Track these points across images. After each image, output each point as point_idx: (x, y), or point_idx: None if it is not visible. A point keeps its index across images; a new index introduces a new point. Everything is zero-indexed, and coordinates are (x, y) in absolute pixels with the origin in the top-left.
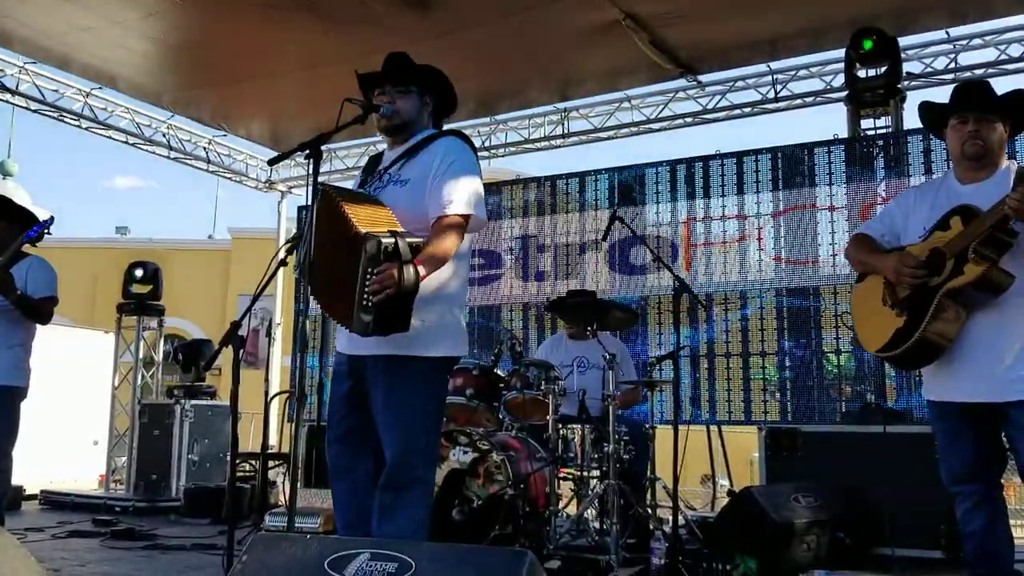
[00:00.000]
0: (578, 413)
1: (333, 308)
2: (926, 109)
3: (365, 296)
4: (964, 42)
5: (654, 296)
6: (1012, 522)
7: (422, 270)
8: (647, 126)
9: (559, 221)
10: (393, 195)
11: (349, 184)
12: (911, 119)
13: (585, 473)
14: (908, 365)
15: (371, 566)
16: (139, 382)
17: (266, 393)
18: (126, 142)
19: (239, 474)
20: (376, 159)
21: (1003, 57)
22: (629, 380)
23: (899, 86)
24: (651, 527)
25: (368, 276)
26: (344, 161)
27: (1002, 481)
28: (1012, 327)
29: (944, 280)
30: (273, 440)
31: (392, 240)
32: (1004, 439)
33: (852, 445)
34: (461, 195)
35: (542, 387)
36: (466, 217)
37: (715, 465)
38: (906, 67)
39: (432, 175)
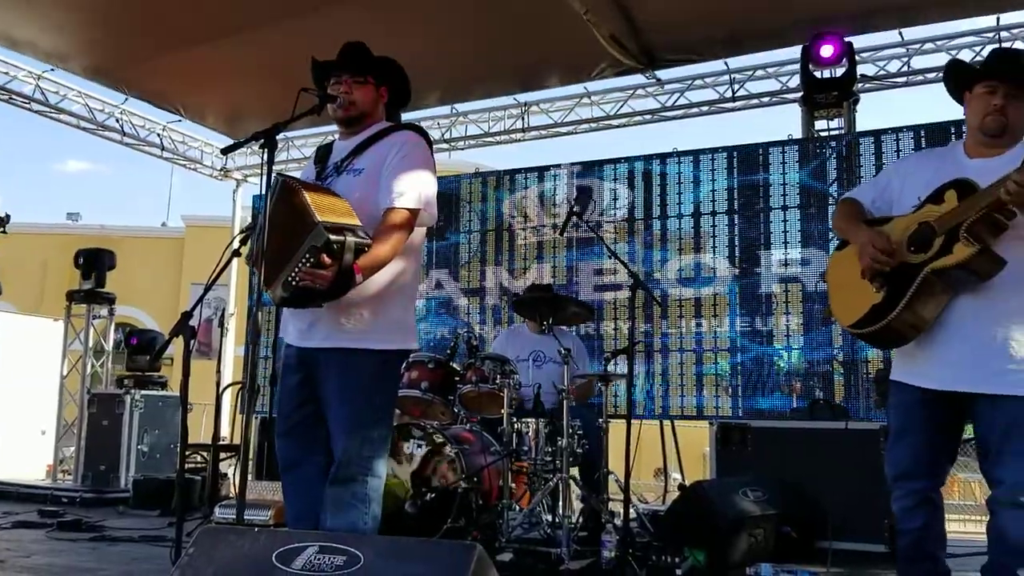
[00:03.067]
0: (533, 407)
1: (267, 275)
2: (955, 66)
3: (293, 276)
4: (917, 46)
5: (610, 291)
6: (956, 516)
7: (360, 278)
8: (606, 122)
9: (517, 215)
10: (347, 184)
11: (299, 174)
12: (864, 121)
13: (539, 467)
14: (882, 343)
15: (319, 559)
16: (88, 371)
17: (218, 384)
18: (78, 126)
19: (191, 465)
20: (326, 149)
21: None
22: (583, 374)
23: (853, 88)
24: (603, 520)
25: (305, 261)
26: (301, 150)
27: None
28: (995, 315)
29: (931, 258)
30: (226, 431)
31: (342, 239)
32: (974, 433)
33: (800, 441)
34: (412, 189)
35: (497, 381)
36: (414, 212)
37: (668, 459)
38: (860, 69)
39: (386, 165)
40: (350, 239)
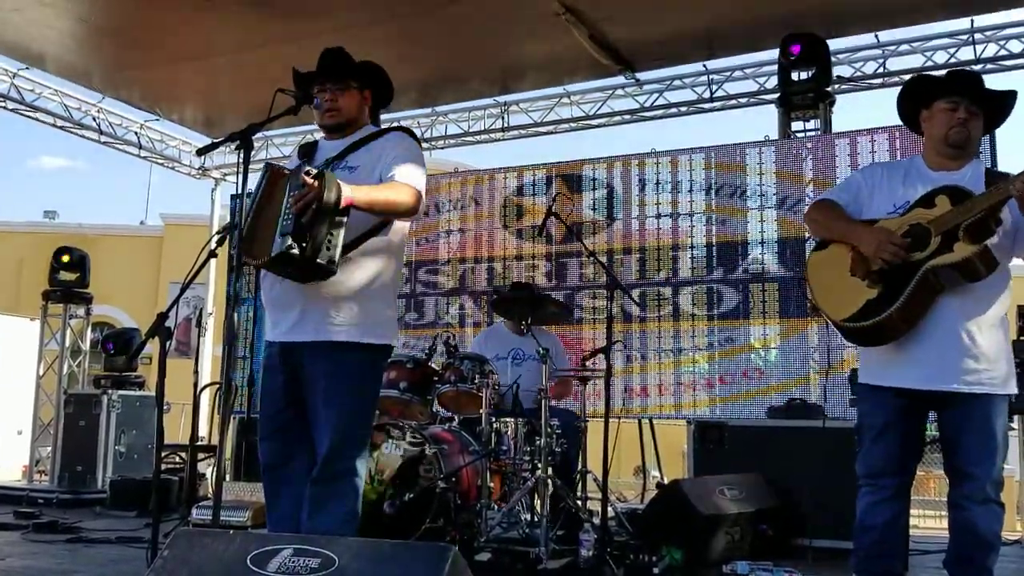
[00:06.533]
0: (511, 407)
1: (260, 253)
2: (920, 80)
3: (286, 214)
4: (892, 48)
5: (589, 291)
6: (934, 513)
7: (348, 190)
8: (586, 122)
9: (496, 214)
10: (342, 180)
11: None
12: (839, 122)
13: (517, 466)
14: (868, 339)
15: (294, 562)
16: (65, 371)
17: (195, 384)
18: (54, 125)
19: (169, 466)
20: (311, 147)
21: (929, 64)
22: (562, 370)
23: (828, 89)
24: (581, 519)
25: (291, 195)
26: (281, 149)
27: (921, 472)
28: (969, 317)
29: (929, 256)
30: (204, 432)
31: (319, 170)
32: (937, 430)
33: (776, 439)
34: (415, 177)
35: (476, 381)
36: (419, 196)
37: (646, 457)
38: (836, 71)
39: (384, 157)
40: (327, 170)
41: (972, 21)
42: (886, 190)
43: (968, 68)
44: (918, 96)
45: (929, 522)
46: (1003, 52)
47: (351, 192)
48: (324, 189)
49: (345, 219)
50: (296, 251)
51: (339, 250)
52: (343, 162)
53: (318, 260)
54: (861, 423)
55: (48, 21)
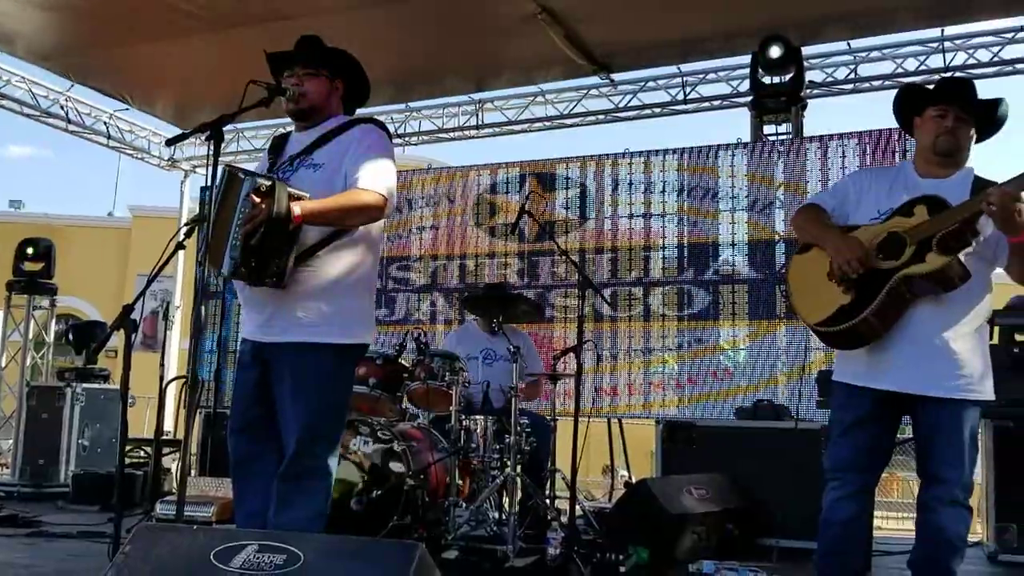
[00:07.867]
0: (481, 404)
1: (218, 264)
2: (909, 90)
3: (235, 233)
4: (864, 54)
5: (560, 290)
6: (896, 515)
7: (297, 208)
8: (560, 121)
9: (469, 211)
10: (306, 179)
11: (254, 167)
12: (811, 126)
13: (486, 464)
14: (842, 343)
15: (259, 558)
16: (28, 363)
17: (161, 378)
18: (21, 113)
19: (135, 461)
20: (282, 140)
21: (900, 70)
22: (533, 373)
23: (801, 94)
24: (549, 518)
25: (241, 213)
26: (252, 142)
27: (884, 474)
28: (945, 325)
29: (902, 265)
30: (170, 426)
31: (270, 183)
32: (914, 433)
33: (744, 439)
34: (380, 177)
35: (446, 378)
36: (385, 199)
37: (615, 456)
38: (808, 76)
39: (349, 155)
40: (281, 185)
41: (942, 30)
42: (873, 196)
43: (963, 75)
44: (911, 104)
45: (892, 523)
46: (972, 61)
47: (300, 209)
48: (273, 208)
49: (296, 235)
50: (244, 270)
51: (290, 265)
52: (309, 159)
53: (265, 280)
54: (832, 418)
55: (17, 4)
